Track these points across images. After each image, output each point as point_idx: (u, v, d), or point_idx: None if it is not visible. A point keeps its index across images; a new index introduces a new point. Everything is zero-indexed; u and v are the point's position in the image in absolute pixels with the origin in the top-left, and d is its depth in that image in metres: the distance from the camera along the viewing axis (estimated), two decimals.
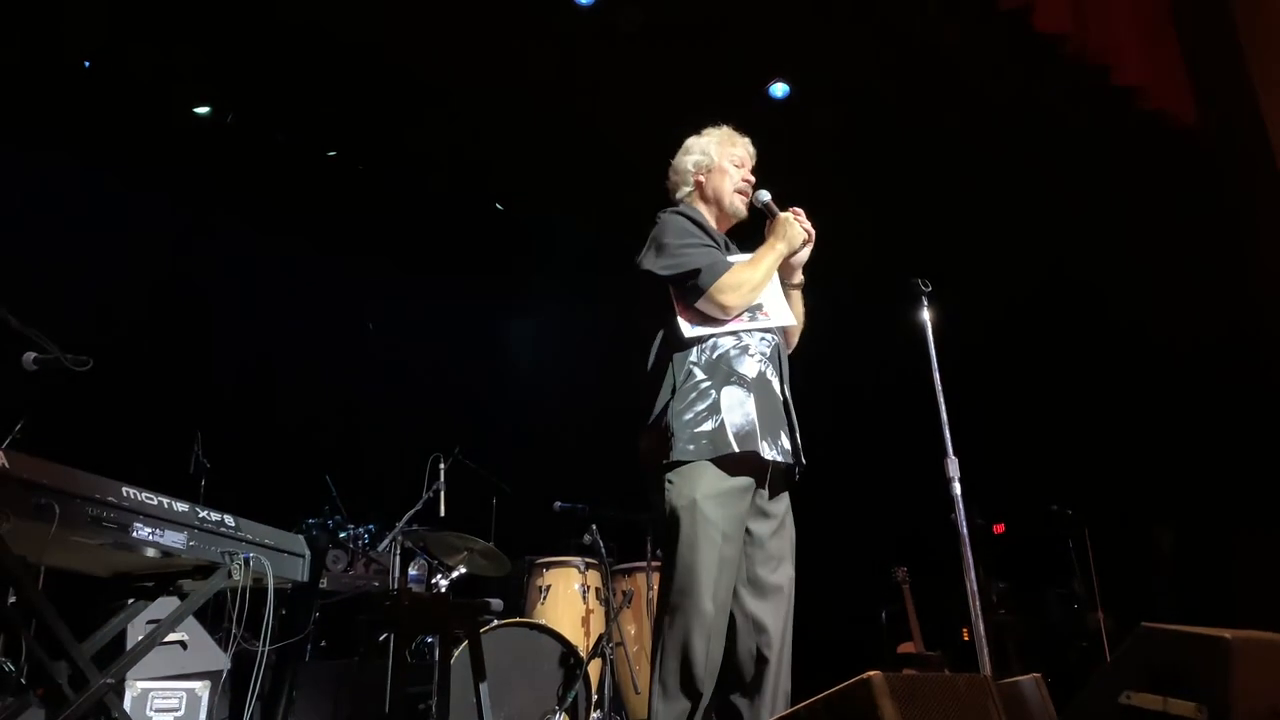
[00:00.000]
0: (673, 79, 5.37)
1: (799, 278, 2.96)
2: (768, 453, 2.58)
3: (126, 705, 3.34)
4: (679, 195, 3.02)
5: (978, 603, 2.79)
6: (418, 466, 4.81)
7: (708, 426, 2.56)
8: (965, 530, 2.88)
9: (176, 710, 3.52)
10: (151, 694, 3.47)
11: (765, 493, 2.67)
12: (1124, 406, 5.60)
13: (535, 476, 5.61)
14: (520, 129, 5.89)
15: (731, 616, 2.61)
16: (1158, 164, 5.28)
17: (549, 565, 4.71)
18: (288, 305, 5.85)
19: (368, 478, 5.25)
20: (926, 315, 3.09)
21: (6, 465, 2.13)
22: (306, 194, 5.96)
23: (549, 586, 4.62)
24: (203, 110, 5.65)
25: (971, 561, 2.84)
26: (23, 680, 2.65)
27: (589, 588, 4.60)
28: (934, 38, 5.23)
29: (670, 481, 2.57)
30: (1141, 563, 5.39)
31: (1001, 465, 5.49)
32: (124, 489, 2.38)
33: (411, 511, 4.56)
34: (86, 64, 5.17)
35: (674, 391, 2.62)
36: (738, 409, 2.58)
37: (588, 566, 4.66)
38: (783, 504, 2.75)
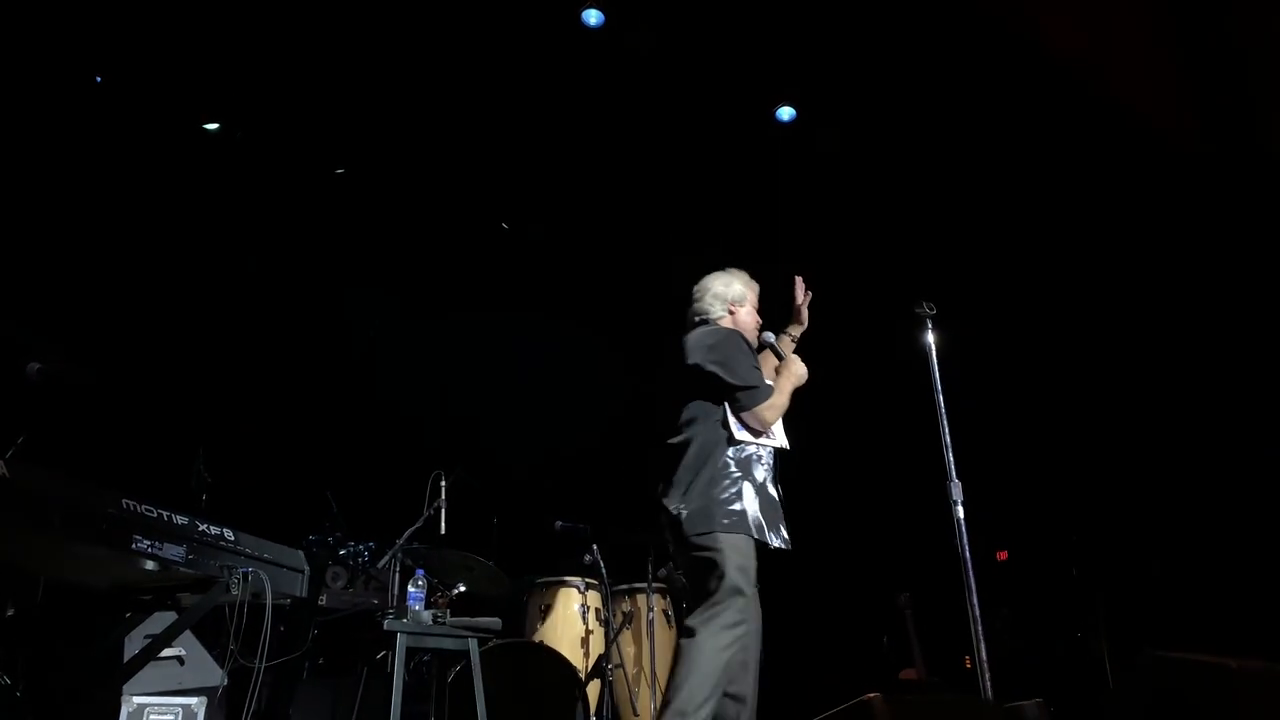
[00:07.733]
0: (680, 100, 5.39)
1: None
2: (773, 542, 3.18)
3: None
4: (710, 316, 3.52)
5: (980, 628, 2.76)
6: (419, 484, 4.79)
7: (737, 507, 3.14)
8: (968, 555, 2.86)
9: None
10: (147, 709, 3.45)
11: None
12: (1131, 436, 5.57)
13: (537, 495, 5.58)
14: (525, 147, 5.90)
15: None
16: (1164, 187, 5.29)
17: (549, 585, 4.68)
18: (290, 323, 5.85)
19: (369, 494, 5.23)
20: (931, 338, 3.08)
21: (6, 474, 2.11)
22: (311, 211, 5.96)
23: (549, 606, 4.60)
24: (211, 126, 5.65)
25: (975, 587, 2.82)
26: (18, 693, 2.63)
27: (589, 608, 4.58)
28: (938, 62, 5.26)
29: (720, 547, 3.06)
30: (1145, 589, 5.34)
31: (1006, 492, 5.45)
32: (124, 500, 2.36)
33: (412, 529, 4.53)
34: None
35: (713, 476, 3.17)
36: (752, 504, 3.16)
37: (588, 587, 4.63)
38: None
